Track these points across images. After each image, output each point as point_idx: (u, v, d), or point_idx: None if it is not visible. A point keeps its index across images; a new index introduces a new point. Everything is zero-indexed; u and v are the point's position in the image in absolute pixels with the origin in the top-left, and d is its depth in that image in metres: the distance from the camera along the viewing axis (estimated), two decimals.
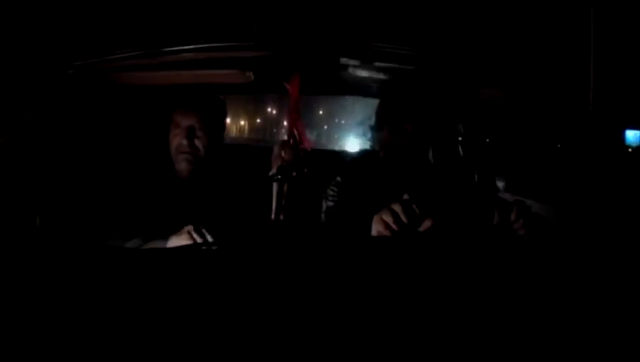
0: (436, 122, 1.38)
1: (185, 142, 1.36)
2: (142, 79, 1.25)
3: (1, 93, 1.14)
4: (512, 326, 0.66)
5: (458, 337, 0.63)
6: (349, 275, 0.79)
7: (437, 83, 1.32)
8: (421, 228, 0.96)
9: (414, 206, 0.96)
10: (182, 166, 1.39)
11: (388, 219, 0.96)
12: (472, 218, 1.04)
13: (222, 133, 1.48)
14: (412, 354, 0.60)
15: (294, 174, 1.07)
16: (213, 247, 1.05)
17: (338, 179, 1.41)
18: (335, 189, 1.40)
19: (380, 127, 1.40)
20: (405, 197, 0.98)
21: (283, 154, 1.08)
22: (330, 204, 1.38)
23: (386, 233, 0.96)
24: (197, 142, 1.37)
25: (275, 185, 1.08)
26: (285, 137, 1.12)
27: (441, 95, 1.45)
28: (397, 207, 0.96)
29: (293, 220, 1.07)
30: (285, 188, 1.07)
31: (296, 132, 1.10)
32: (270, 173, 1.09)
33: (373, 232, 0.99)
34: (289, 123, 1.12)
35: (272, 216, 1.06)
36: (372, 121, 1.46)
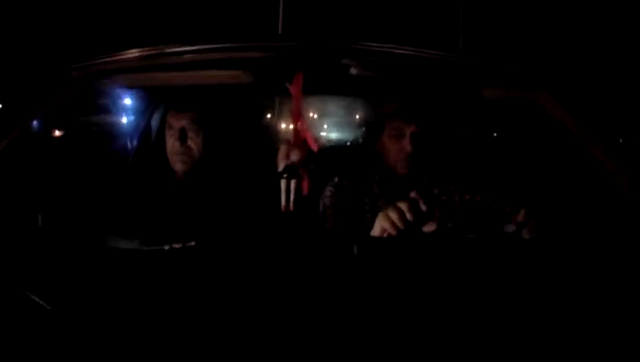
0: (438, 125, 1.38)
1: (177, 143, 1.36)
2: (143, 80, 1.25)
3: (4, 93, 1.15)
4: (513, 328, 0.65)
5: (458, 338, 0.63)
6: (348, 275, 0.79)
7: (438, 84, 1.32)
8: (425, 229, 0.95)
9: (421, 205, 0.95)
10: (177, 167, 1.39)
11: (394, 216, 0.95)
12: (479, 220, 1.03)
13: (220, 133, 1.45)
14: (412, 355, 0.60)
15: (301, 173, 1.09)
16: (209, 248, 1.05)
17: (336, 179, 1.41)
18: (332, 189, 1.39)
19: (380, 130, 1.39)
20: (412, 195, 0.97)
21: (290, 154, 1.09)
22: (327, 203, 1.38)
23: (391, 230, 0.96)
24: (190, 143, 1.37)
25: (282, 183, 1.09)
26: (291, 138, 1.12)
27: (443, 97, 1.45)
28: (403, 205, 0.95)
29: (299, 217, 1.09)
30: (293, 185, 1.08)
31: (301, 132, 1.11)
32: (278, 171, 1.10)
33: (377, 228, 0.99)
34: (293, 123, 1.12)
35: (282, 210, 1.08)
36: (372, 123, 1.45)
